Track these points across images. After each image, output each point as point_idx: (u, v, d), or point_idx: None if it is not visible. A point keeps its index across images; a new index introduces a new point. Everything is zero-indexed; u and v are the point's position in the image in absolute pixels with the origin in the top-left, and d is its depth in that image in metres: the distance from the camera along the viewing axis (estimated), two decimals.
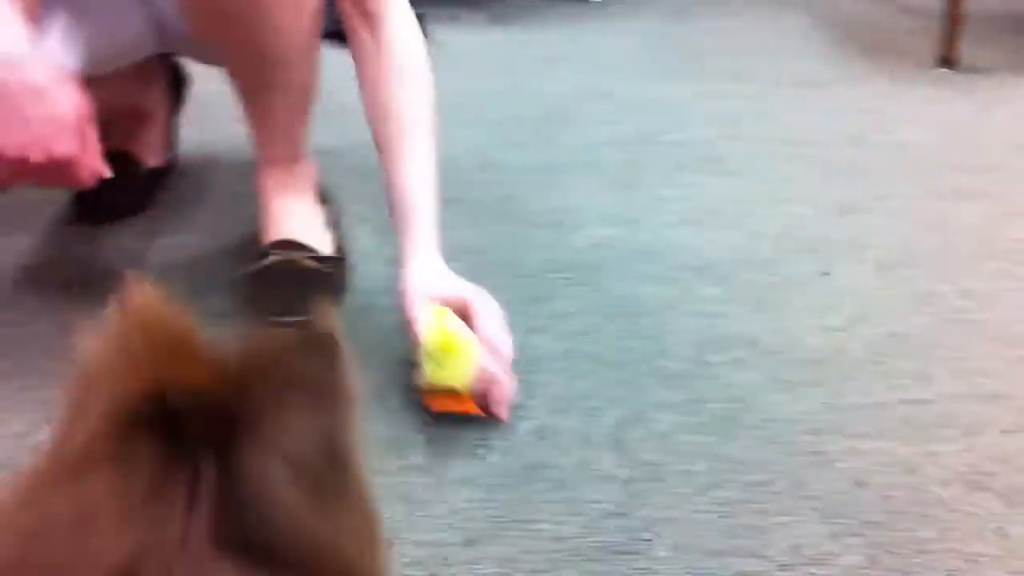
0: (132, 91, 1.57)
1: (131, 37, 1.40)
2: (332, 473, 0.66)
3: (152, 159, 1.65)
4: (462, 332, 1.14)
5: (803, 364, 1.31)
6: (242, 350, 0.64)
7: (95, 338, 0.60)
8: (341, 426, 0.72)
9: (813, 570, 1.00)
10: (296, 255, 1.37)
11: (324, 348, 0.75)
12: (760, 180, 1.81)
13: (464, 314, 1.17)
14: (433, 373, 1.13)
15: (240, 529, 0.56)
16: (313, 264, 1.38)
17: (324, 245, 1.42)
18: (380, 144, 1.30)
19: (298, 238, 1.39)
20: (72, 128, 1.05)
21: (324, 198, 1.51)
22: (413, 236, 1.26)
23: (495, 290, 1.44)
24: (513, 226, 1.64)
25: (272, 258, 1.37)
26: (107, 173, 1.14)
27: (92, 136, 1.09)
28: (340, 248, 1.46)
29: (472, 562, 0.99)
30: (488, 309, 1.19)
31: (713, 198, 1.74)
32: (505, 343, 1.17)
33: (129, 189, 1.58)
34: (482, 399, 1.16)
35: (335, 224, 1.49)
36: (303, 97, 1.37)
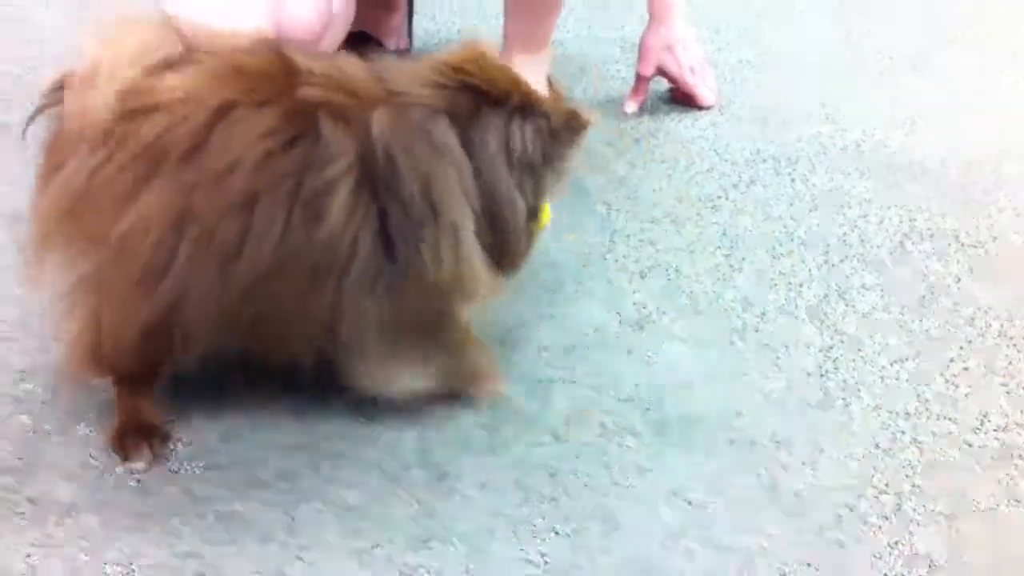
0: None
1: None
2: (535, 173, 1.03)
3: (392, 43, 1.80)
4: None
5: (1002, 259, 1.37)
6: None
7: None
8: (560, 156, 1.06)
9: (1000, 436, 1.09)
10: None
11: (576, 122, 1.05)
12: (968, 87, 1.83)
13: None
14: None
15: None
16: None
17: None
18: None
19: None
20: None
21: (550, 84, 1.64)
22: (659, 2, 1.65)
23: (703, 173, 1.56)
24: (723, 118, 1.73)
25: None
26: None
27: None
28: None
29: (684, 405, 1.13)
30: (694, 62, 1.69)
31: (919, 102, 1.78)
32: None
33: None
34: (690, 99, 1.72)
35: None
36: None
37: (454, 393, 1.09)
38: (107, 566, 0.91)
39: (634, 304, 1.28)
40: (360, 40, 1.74)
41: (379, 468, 1.02)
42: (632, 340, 1.22)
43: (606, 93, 1.80)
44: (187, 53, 0.95)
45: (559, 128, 1.04)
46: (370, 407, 1.07)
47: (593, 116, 1.06)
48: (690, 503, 1.00)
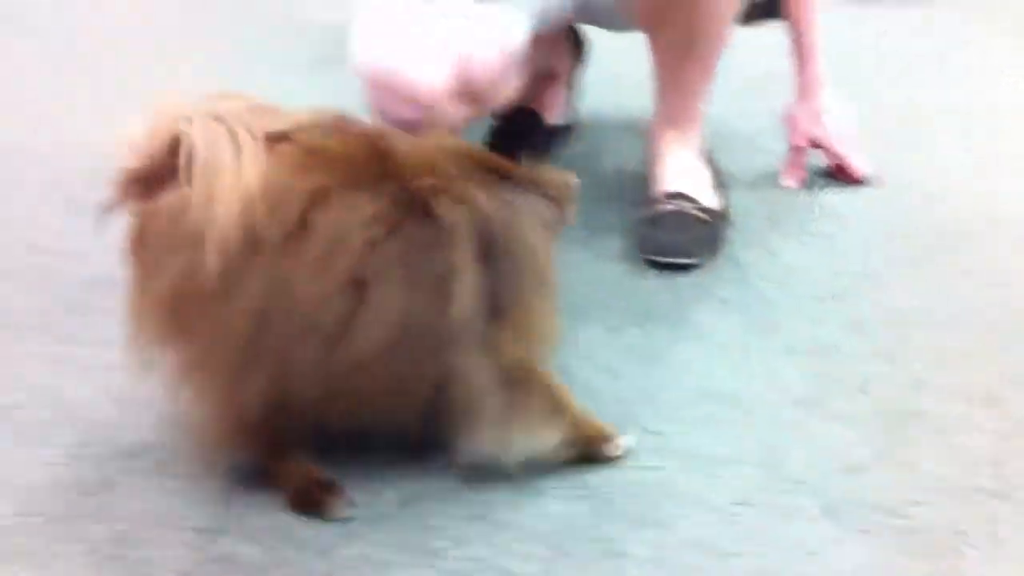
0: (544, 56, 1.77)
1: (558, 8, 1.59)
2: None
3: (553, 117, 1.85)
4: None
5: None
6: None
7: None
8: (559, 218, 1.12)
9: None
10: (686, 205, 1.53)
11: (568, 188, 1.12)
12: None
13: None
14: None
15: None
16: (701, 215, 1.53)
17: (710, 200, 1.57)
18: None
19: (688, 191, 1.55)
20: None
21: (709, 159, 1.65)
22: (808, 74, 1.67)
23: (860, 247, 1.54)
24: (878, 191, 1.72)
25: (665, 206, 1.54)
26: None
27: None
28: (723, 205, 1.60)
29: (854, 488, 1.11)
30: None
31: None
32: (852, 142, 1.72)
33: (531, 142, 1.78)
34: (844, 172, 1.72)
35: (719, 183, 1.63)
36: (714, 65, 1.53)
37: (579, 454, 1.11)
38: None
39: (799, 382, 1.27)
40: (522, 114, 1.79)
41: (551, 541, 1.04)
42: (799, 420, 1.21)
43: (758, 167, 1.80)
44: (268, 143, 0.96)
45: (557, 195, 1.11)
46: (540, 480, 1.09)
47: (573, 178, 1.14)
48: None
